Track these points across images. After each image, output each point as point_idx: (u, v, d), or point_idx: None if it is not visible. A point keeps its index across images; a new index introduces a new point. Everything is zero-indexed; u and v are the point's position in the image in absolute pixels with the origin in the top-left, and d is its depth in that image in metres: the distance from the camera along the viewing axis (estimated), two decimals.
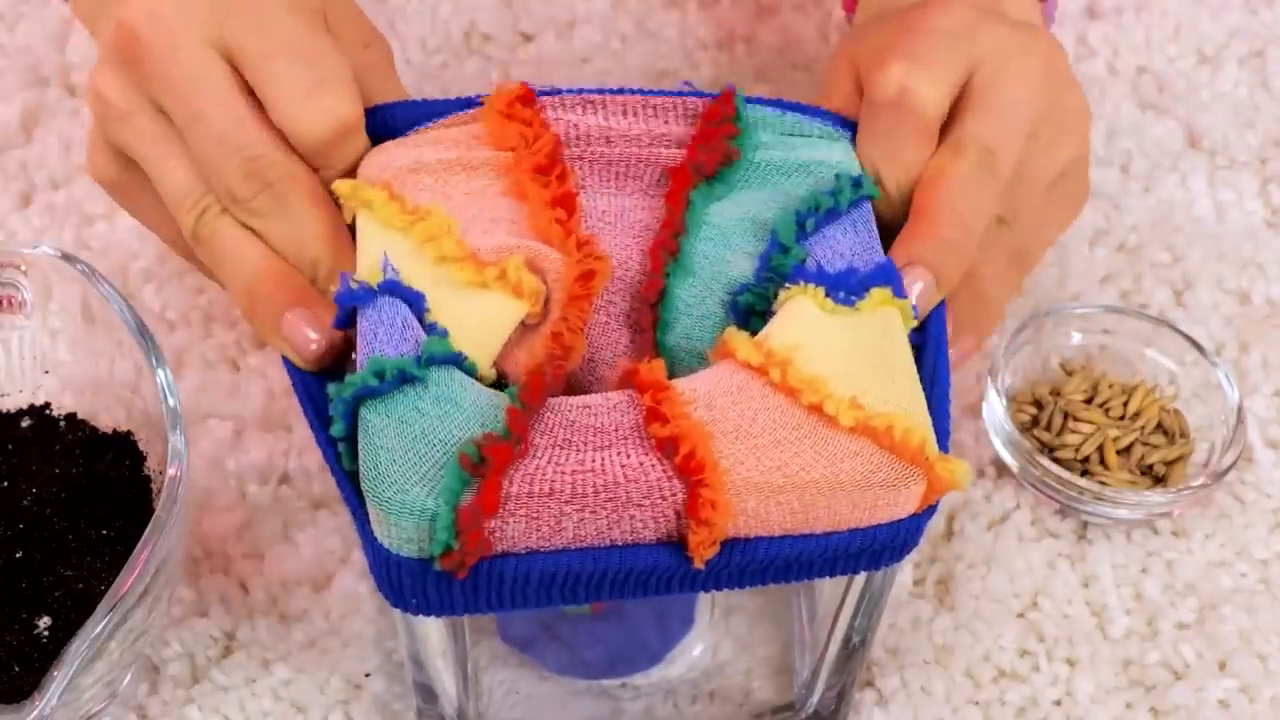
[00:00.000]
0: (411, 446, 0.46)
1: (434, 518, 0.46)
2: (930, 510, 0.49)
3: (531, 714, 0.60)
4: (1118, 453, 0.66)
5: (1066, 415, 0.67)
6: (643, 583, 0.48)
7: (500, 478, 0.46)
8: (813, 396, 0.47)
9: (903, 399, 0.48)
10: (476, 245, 0.52)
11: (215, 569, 0.64)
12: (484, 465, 0.45)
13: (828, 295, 0.50)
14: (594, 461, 0.46)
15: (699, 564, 0.47)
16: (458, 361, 0.49)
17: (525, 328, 0.52)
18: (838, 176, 0.54)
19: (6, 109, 0.79)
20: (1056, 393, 0.68)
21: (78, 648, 0.52)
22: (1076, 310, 0.70)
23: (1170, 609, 0.64)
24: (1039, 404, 0.68)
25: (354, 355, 0.51)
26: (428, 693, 0.56)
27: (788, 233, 0.52)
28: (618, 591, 0.48)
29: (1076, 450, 0.66)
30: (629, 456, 0.47)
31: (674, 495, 0.46)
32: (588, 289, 0.51)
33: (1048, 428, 0.67)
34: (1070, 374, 0.69)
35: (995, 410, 0.66)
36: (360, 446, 0.47)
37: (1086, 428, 0.67)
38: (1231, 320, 0.73)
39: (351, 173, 0.56)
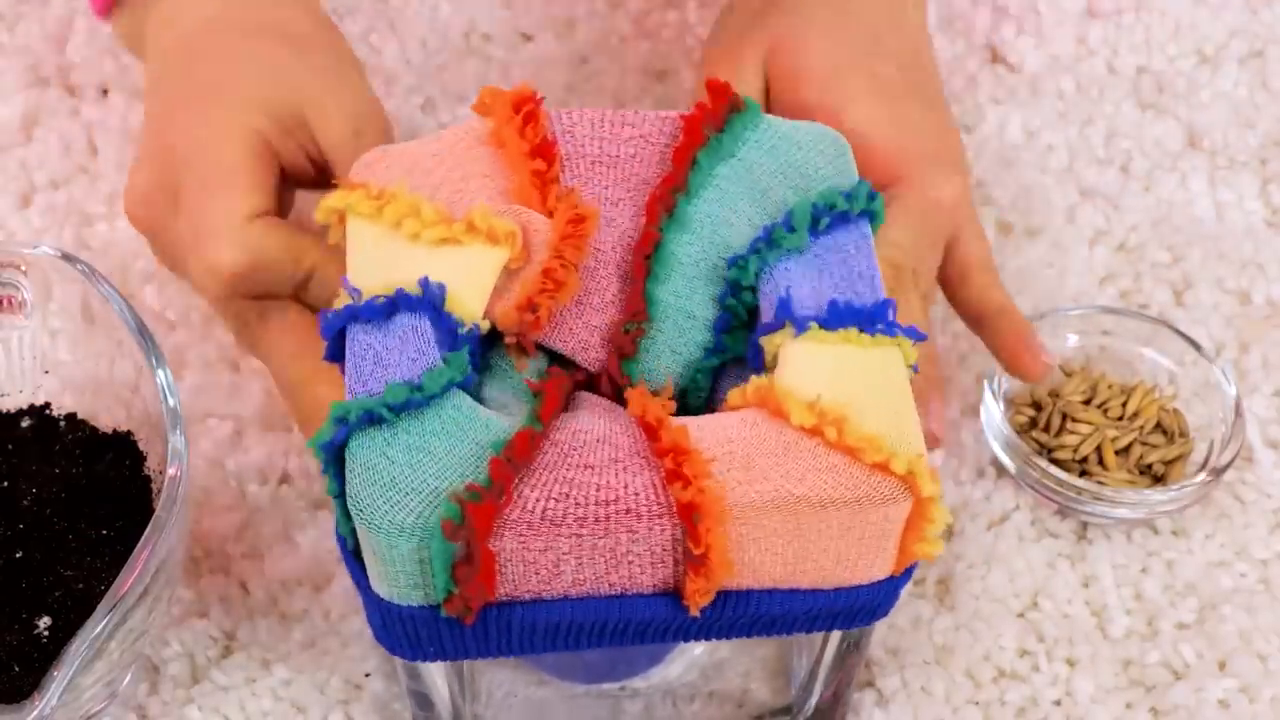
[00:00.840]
0: (382, 494, 0.45)
1: (430, 563, 0.46)
2: (908, 573, 0.50)
3: (529, 718, 0.60)
4: (1116, 453, 0.66)
5: (1065, 416, 0.67)
6: (640, 632, 0.49)
7: (486, 540, 0.45)
8: (876, 455, 0.46)
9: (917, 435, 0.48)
10: (449, 208, 0.51)
11: (215, 569, 0.64)
12: (467, 527, 0.45)
13: (861, 330, 0.49)
14: (594, 519, 0.46)
15: (694, 610, 0.47)
16: (426, 401, 0.47)
17: (510, 273, 0.51)
18: (859, 183, 0.53)
19: (6, 109, 0.79)
20: (1055, 394, 0.68)
21: (78, 648, 0.52)
22: (1075, 311, 0.70)
23: (1170, 609, 0.64)
24: (1038, 405, 0.68)
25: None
26: (423, 700, 0.56)
27: (802, 220, 0.52)
28: (619, 639, 0.49)
29: (1075, 451, 0.66)
30: (636, 517, 0.46)
31: (675, 550, 0.46)
32: (580, 229, 0.51)
33: (1046, 429, 0.67)
34: (1069, 375, 0.69)
35: (992, 413, 0.66)
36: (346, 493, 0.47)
37: (1085, 428, 0.67)
38: (1231, 320, 0.73)
39: (297, 291, 0.60)
